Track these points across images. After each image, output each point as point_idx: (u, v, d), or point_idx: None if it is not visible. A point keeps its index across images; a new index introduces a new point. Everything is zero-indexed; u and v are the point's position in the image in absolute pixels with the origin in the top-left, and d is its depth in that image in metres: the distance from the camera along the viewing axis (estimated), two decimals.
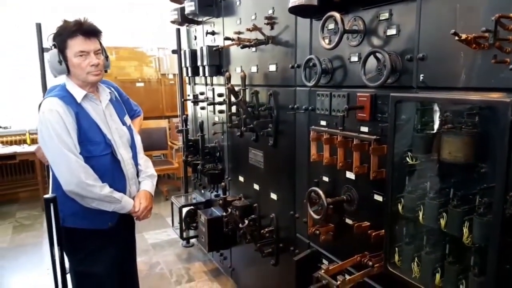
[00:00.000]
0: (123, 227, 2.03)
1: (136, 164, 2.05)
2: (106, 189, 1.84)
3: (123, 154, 1.96)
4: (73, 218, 1.87)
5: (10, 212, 5.04)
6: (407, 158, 1.32)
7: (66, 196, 1.81)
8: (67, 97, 1.82)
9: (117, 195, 1.88)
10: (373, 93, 1.53)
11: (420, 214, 1.30)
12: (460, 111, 1.22)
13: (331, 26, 1.70)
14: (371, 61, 1.49)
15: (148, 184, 2.08)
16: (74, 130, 1.79)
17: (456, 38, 1.13)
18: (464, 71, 1.22)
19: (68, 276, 1.97)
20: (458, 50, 1.22)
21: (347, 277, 1.55)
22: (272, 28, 2.18)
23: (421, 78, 1.35)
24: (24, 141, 5.39)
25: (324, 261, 1.95)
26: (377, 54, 1.45)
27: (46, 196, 1.47)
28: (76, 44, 1.78)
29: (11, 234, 4.37)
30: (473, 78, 1.20)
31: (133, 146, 2.05)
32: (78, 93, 1.85)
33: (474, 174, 1.20)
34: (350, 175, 1.72)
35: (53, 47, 1.82)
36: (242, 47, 2.34)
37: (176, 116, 5.83)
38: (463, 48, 1.20)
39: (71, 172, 1.76)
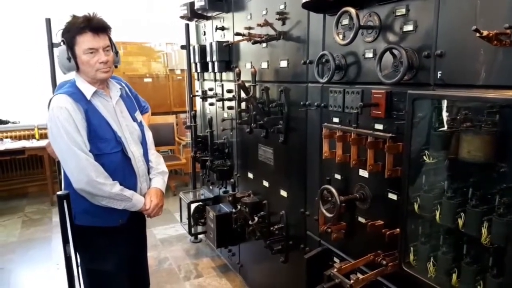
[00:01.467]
0: (134, 224, 2.02)
1: (147, 160, 2.04)
2: (117, 187, 1.83)
3: (134, 151, 1.94)
4: (84, 216, 1.87)
5: (19, 207, 5.08)
6: (424, 157, 1.30)
7: (76, 194, 1.80)
8: (76, 94, 1.80)
9: (128, 193, 1.87)
10: (388, 90, 1.51)
11: (437, 213, 1.28)
12: (479, 109, 1.19)
13: (346, 21, 1.67)
14: (387, 58, 1.46)
15: (159, 181, 2.06)
16: (84, 127, 1.78)
17: (478, 34, 1.11)
18: (484, 69, 1.20)
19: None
20: (478, 46, 1.19)
21: (360, 276, 1.54)
22: (283, 24, 2.16)
23: (439, 75, 1.32)
24: (33, 136, 5.42)
25: (336, 259, 1.94)
26: (394, 51, 1.42)
27: (59, 193, 1.46)
28: (85, 41, 1.76)
29: (20, 228, 4.40)
30: (493, 76, 1.17)
31: (144, 143, 2.03)
32: (88, 90, 1.83)
33: (493, 174, 1.17)
34: (363, 173, 1.70)
35: (62, 43, 1.80)
36: (253, 43, 2.32)
37: (183, 112, 5.83)
38: (483, 45, 1.17)
39: (81, 170, 1.75)
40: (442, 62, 1.31)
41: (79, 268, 2.07)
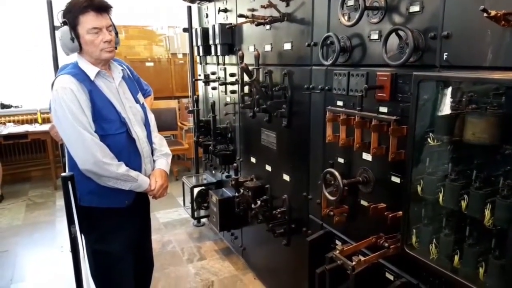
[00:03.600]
0: (139, 206, 2.04)
1: (151, 142, 2.04)
2: (123, 168, 1.83)
3: (138, 132, 1.94)
4: (90, 197, 1.87)
5: (23, 191, 5.12)
6: (429, 139, 1.30)
7: (82, 175, 1.80)
8: (80, 75, 1.79)
9: (133, 173, 1.88)
10: (393, 72, 1.49)
11: (440, 195, 1.28)
12: (485, 91, 1.18)
13: (351, 2, 1.65)
14: (393, 39, 1.45)
15: (163, 163, 2.07)
16: (88, 108, 1.77)
17: (485, 14, 1.09)
18: (491, 50, 1.18)
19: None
20: (485, 27, 1.18)
21: (362, 258, 1.55)
22: (287, 5, 2.13)
23: (445, 56, 1.31)
24: (36, 120, 5.42)
25: (338, 242, 1.95)
26: (399, 32, 1.40)
27: (63, 174, 1.46)
28: (88, 21, 1.74)
29: (24, 212, 4.44)
30: (500, 57, 1.16)
31: (147, 124, 2.03)
32: (91, 71, 1.82)
33: (497, 156, 1.17)
34: (366, 156, 1.70)
35: (63, 24, 1.78)
36: (257, 25, 2.29)
37: (185, 97, 5.80)
38: (491, 26, 1.15)
39: (87, 150, 1.75)
40: (449, 44, 1.30)
41: (85, 249, 2.10)
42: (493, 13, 1.09)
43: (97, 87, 1.82)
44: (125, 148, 1.88)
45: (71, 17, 1.75)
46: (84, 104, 1.75)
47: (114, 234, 1.95)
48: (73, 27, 1.76)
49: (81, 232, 1.91)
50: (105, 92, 1.84)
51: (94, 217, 1.90)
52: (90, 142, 1.75)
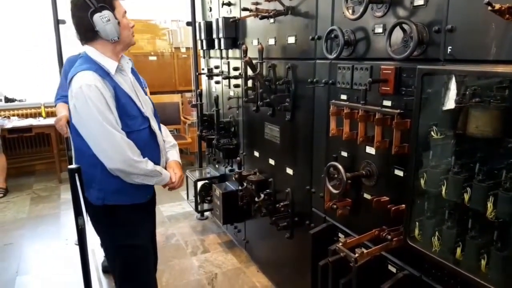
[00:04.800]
0: (153, 199, 2.06)
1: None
2: (150, 164, 1.80)
3: (154, 126, 1.91)
4: (116, 195, 1.82)
5: (28, 184, 5.15)
6: (432, 133, 1.30)
7: (107, 174, 1.75)
8: (100, 70, 1.70)
9: (158, 168, 1.86)
10: (398, 66, 1.50)
11: (443, 188, 1.29)
12: (489, 84, 1.19)
13: None
14: (397, 33, 1.45)
15: (175, 154, 2.07)
16: (114, 105, 1.70)
17: (489, 8, 1.09)
18: (495, 43, 1.19)
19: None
20: (490, 21, 1.18)
21: (365, 250, 1.56)
22: None
23: (449, 50, 1.31)
24: (40, 114, 5.45)
25: (340, 235, 1.97)
26: (404, 25, 1.41)
27: (70, 166, 1.47)
28: (120, 5, 1.70)
29: (29, 205, 4.48)
30: (504, 51, 1.16)
31: (156, 116, 2.01)
32: (111, 65, 1.73)
33: (500, 149, 1.18)
34: (370, 150, 1.71)
35: (100, 8, 1.65)
36: (260, 18, 2.29)
37: (189, 91, 5.81)
38: (495, 19, 1.16)
39: (117, 149, 1.69)
40: (453, 37, 1.30)
41: (104, 248, 2.07)
42: (497, 6, 1.09)
43: (117, 82, 1.75)
44: (147, 144, 1.85)
45: (108, 1, 1.69)
46: (110, 101, 1.69)
47: (139, 228, 1.93)
48: (113, 12, 1.69)
49: (103, 230, 1.90)
50: (123, 87, 1.78)
51: (120, 214, 1.86)
52: (120, 140, 1.70)
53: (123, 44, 1.78)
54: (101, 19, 1.66)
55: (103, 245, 2.15)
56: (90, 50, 1.75)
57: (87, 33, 1.71)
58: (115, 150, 1.69)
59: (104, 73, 1.71)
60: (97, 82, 1.66)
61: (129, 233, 1.91)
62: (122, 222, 1.88)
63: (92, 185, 1.79)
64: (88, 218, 1.81)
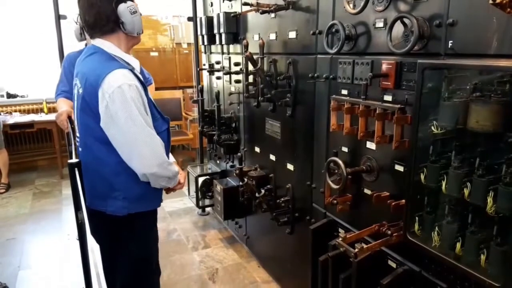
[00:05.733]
0: None
1: None
2: (174, 165, 1.76)
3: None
4: (139, 203, 1.73)
5: (30, 180, 5.17)
6: (432, 127, 1.30)
7: (132, 180, 1.66)
8: (128, 68, 1.58)
9: (177, 169, 1.80)
10: (398, 61, 1.49)
11: (443, 183, 1.29)
12: (490, 79, 1.18)
13: None
14: (398, 27, 1.44)
15: (170, 155, 1.99)
16: (147, 106, 1.61)
17: (491, 1, 1.08)
18: (496, 37, 1.18)
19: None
20: (491, 15, 1.17)
21: (364, 245, 1.56)
22: None
23: (450, 44, 1.31)
24: (41, 110, 5.46)
25: (340, 230, 1.97)
26: (405, 20, 1.40)
27: (70, 161, 1.46)
28: None
29: (31, 200, 4.50)
30: (506, 45, 1.15)
31: None
32: (135, 62, 1.65)
33: (501, 144, 1.17)
34: (370, 145, 1.71)
35: (123, 1, 1.57)
36: (261, 13, 2.29)
37: (190, 87, 5.81)
38: (496, 13, 1.15)
39: (156, 153, 1.60)
40: (454, 31, 1.29)
41: (117, 260, 1.91)
42: (498, 0, 1.08)
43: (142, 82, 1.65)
44: (167, 146, 1.78)
45: None
46: (145, 102, 1.60)
47: (151, 237, 1.90)
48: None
49: (117, 243, 1.80)
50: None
51: (135, 224, 1.78)
52: (159, 143, 1.62)
53: (136, 40, 1.69)
54: (129, 10, 1.56)
55: (108, 261, 1.94)
56: (107, 45, 1.62)
57: (107, 25, 1.58)
58: (154, 154, 1.60)
59: (132, 71, 1.60)
60: (136, 82, 1.55)
61: (143, 246, 1.85)
62: (137, 234, 1.81)
63: (115, 195, 1.68)
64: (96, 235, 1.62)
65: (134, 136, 1.56)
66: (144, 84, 1.65)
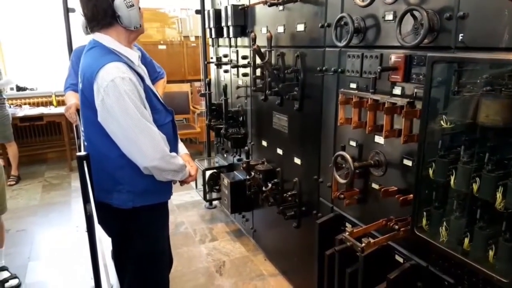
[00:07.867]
0: None
1: None
2: (180, 158, 1.75)
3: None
4: (145, 196, 1.73)
5: (39, 172, 5.23)
6: (442, 122, 1.28)
7: (136, 174, 1.65)
8: (126, 62, 1.58)
9: (183, 162, 1.78)
10: (408, 54, 1.47)
11: (452, 178, 1.28)
12: (500, 72, 1.16)
13: None
14: (407, 20, 1.42)
15: (183, 146, 2.00)
16: (144, 98, 1.59)
17: None
18: (508, 30, 1.16)
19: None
20: (502, 7, 1.15)
21: (372, 240, 1.56)
22: None
23: (460, 38, 1.29)
24: (51, 103, 5.50)
25: (347, 225, 1.96)
26: (414, 12, 1.38)
27: (79, 153, 1.47)
28: None
29: (40, 192, 4.55)
30: None
31: None
32: (133, 55, 1.62)
33: (511, 139, 1.16)
34: (379, 139, 1.69)
35: None
36: (269, 6, 2.27)
37: (198, 80, 5.80)
38: (508, 5, 1.13)
39: (156, 146, 1.59)
40: (464, 24, 1.27)
41: (118, 259, 1.95)
42: None
43: (141, 74, 1.64)
44: (172, 138, 1.77)
45: None
46: (142, 94, 1.58)
47: (158, 231, 1.89)
48: None
49: (124, 235, 1.81)
50: (146, 79, 1.66)
51: (141, 217, 1.78)
52: (158, 136, 1.60)
53: (138, 32, 1.66)
54: (125, 4, 1.54)
55: (117, 254, 1.99)
56: (105, 39, 1.61)
57: (105, 19, 1.57)
58: (153, 147, 1.58)
59: (130, 64, 1.59)
60: (130, 74, 1.54)
61: (151, 239, 1.85)
62: (145, 228, 1.81)
63: (119, 188, 1.69)
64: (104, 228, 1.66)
65: (131, 130, 1.55)
66: (142, 76, 1.64)
